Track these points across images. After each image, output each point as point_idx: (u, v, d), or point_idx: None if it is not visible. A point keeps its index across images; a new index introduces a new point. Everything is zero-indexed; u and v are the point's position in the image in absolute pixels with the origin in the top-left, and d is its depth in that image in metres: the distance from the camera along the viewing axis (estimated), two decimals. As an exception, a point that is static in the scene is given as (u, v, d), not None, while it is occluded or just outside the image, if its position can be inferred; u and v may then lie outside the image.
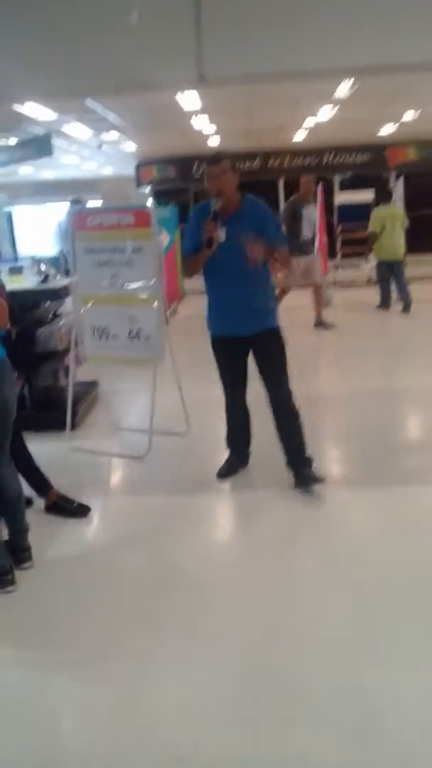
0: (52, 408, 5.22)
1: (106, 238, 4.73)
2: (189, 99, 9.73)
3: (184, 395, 5.00)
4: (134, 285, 4.67)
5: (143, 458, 4.60)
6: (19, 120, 10.48)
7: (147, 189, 18.00)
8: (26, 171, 17.88)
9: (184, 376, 5.01)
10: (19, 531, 3.22)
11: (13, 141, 11.52)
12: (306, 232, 7.98)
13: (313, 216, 8.26)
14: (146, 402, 4.82)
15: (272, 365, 3.86)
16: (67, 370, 5.28)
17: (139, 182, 18.93)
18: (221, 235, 3.71)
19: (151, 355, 4.73)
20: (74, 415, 5.25)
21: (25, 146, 11.20)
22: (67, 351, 5.22)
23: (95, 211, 4.83)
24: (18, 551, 3.21)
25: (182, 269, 4.02)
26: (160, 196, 17.47)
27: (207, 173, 3.72)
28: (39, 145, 10.85)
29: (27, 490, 3.78)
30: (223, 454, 4.23)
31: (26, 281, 5.35)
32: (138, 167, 19.26)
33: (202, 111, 10.88)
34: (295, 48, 6.48)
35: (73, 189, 17.70)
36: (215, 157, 3.74)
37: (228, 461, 4.21)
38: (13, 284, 5.31)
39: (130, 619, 2.84)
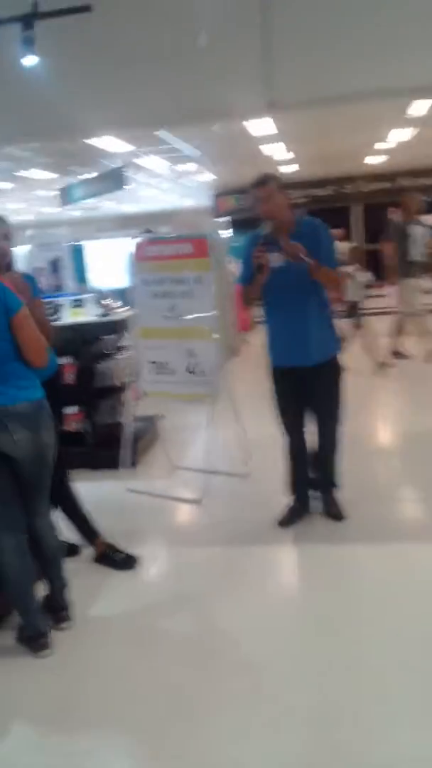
0: (112, 445, 5.00)
1: (165, 269, 4.51)
2: (262, 126, 9.56)
3: (247, 432, 4.69)
4: (193, 317, 4.41)
5: (200, 502, 4.29)
6: (97, 155, 10.62)
7: (224, 219, 17.97)
8: (109, 205, 18.17)
9: (251, 410, 4.70)
10: (57, 588, 2.97)
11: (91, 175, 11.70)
12: (413, 253, 7.40)
13: (419, 235, 7.43)
14: (209, 438, 4.53)
15: (329, 395, 3.67)
16: (126, 405, 5.07)
17: (217, 213, 18.94)
18: (274, 259, 3.45)
19: (209, 391, 4.45)
20: (133, 452, 5.02)
21: (100, 180, 11.32)
22: (126, 386, 5.01)
23: (154, 241, 4.62)
24: (56, 610, 2.95)
25: (241, 299, 3.73)
26: (237, 226, 17.41)
27: (254, 197, 3.50)
28: (112, 179, 10.93)
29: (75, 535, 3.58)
30: (286, 499, 3.87)
31: (87, 315, 5.20)
32: (216, 198, 19.31)
33: (277, 138, 10.70)
34: (366, 69, 6.20)
35: (152, 221, 17.89)
36: (261, 180, 3.53)
37: (290, 508, 3.86)
38: (74, 318, 5.19)
39: (175, 696, 2.51)
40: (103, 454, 4.96)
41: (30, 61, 5.21)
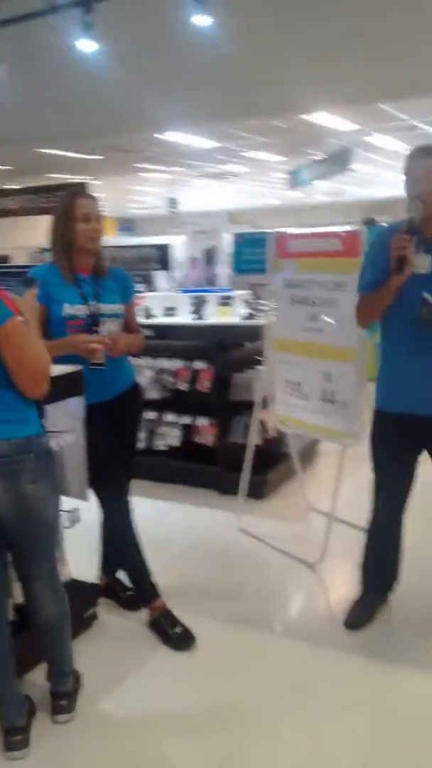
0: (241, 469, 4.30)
1: (306, 269, 3.65)
2: None
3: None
4: (330, 331, 3.50)
5: (314, 566, 3.41)
6: (321, 134, 9.80)
7: None
8: (353, 192, 17.09)
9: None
10: (52, 669, 2.37)
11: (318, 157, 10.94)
12: None
13: None
14: (363, 476, 3.60)
15: None
16: (261, 425, 4.29)
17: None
18: (420, 262, 2.44)
19: (347, 427, 3.51)
20: (263, 482, 4.28)
21: (327, 162, 10.50)
22: (262, 403, 4.25)
23: (298, 234, 3.77)
24: (54, 696, 2.36)
25: (357, 315, 2.71)
26: None
27: (415, 170, 2.48)
28: (338, 160, 10.05)
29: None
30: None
31: (233, 315, 4.52)
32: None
33: None
34: None
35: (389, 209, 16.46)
36: (428, 148, 2.48)
37: (361, 602, 2.90)
38: (218, 317, 4.55)
39: None
40: (231, 479, 4.28)
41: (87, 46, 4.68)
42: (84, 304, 2.63)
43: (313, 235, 3.69)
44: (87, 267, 2.71)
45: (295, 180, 11.76)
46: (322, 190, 15.72)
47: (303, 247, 3.70)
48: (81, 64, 5.53)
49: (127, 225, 16.26)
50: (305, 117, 8.07)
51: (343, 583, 3.23)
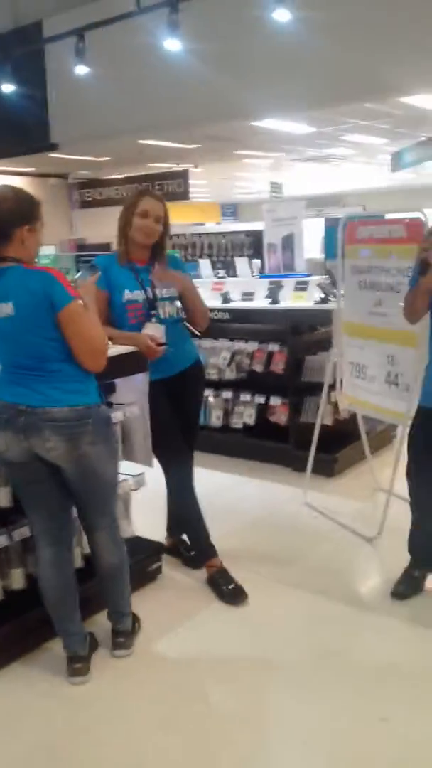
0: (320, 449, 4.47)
1: (374, 255, 3.77)
2: None
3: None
4: (394, 316, 3.61)
5: (372, 541, 3.58)
6: (422, 116, 9.59)
7: None
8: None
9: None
10: (112, 611, 2.70)
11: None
12: None
13: None
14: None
15: None
16: (332, 406, 4.44)
17: None
18: None
19: (408, 409, 3.62)
20: (332, 461, 4.45)
21: (426, 144, 10.29)
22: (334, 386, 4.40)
23: (367, 220, 3.88)
24: (114, 634, 2.70)
25: (403, 309, 2.83)
26: None
27: None
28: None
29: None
30: None
31: (308, 300, 4.69)
32: None
33: None
34: None
35: None
36: None
37: (409, 574, 3.07)
38: (294, 302, 4.74)
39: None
40: (303, 456, 4.47)
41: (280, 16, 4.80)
42: (141, 290, 2.92)
43: (380, 221, 3.79)
44: (143, 258, 3.00)
45: (397, 162, 11.59)
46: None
47: (370, 233, 3.81)
48: (170, 60, 5.82)
49: (231, 210, 16.52)
50: (403, 100, 7.96)
51: (397, 558, 3.37)
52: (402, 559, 3.12)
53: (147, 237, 2.96)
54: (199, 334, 3.30)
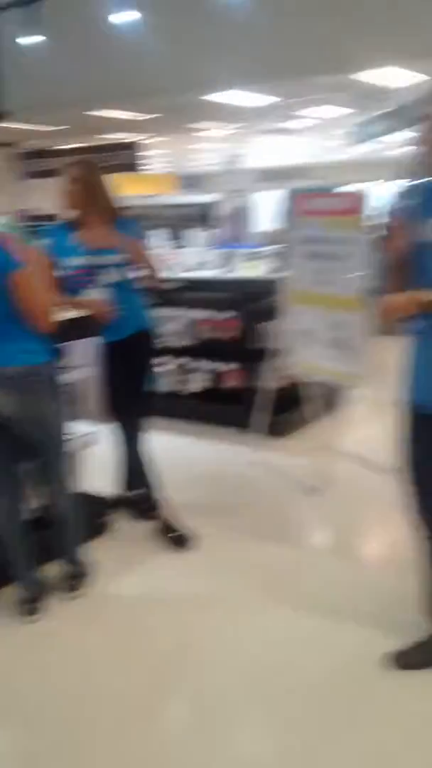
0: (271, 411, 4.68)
1: (320, 226, 3.95)
2: None
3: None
4: (339, 283, 3.82)
5: (316, 492, 3.81)
6: (388, 90, 9.74)
7: None
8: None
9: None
10: (69, 559, 2.90)
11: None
12: None
13: None
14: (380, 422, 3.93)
15: None
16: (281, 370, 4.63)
17: None
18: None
19: (354, 371, 3.85)
20: (283, 422, 4.66)
21: (393, 116, 10.42)
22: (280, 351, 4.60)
23: (314, 193, 4.06)
24: (66, 578, 2.89)
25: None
26: None
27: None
28: (407, 114, 9.97)
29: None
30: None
31: (261, 270, 4.86)
32: None
33: None
34: None
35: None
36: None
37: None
38: (244, 272, 4.91)
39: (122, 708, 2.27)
40: (255, 418, 4.68)
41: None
42: (84, 256, 3.06)
43: (326, 194, 3.97)
44: (93, 226, 3.11)
45: (359, 134, 11.72)
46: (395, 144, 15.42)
47: (317, 205, 3.99)
48: (124, 31, 5.87)
49: (191, 182, 16.49)
50: (361, 75, 8.09)
51: (339, 507, 3.63)
52: (344, 508, 3.35)
53: (70, 204, 3.11)
54: (159, 300, 3.42)
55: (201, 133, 11.85)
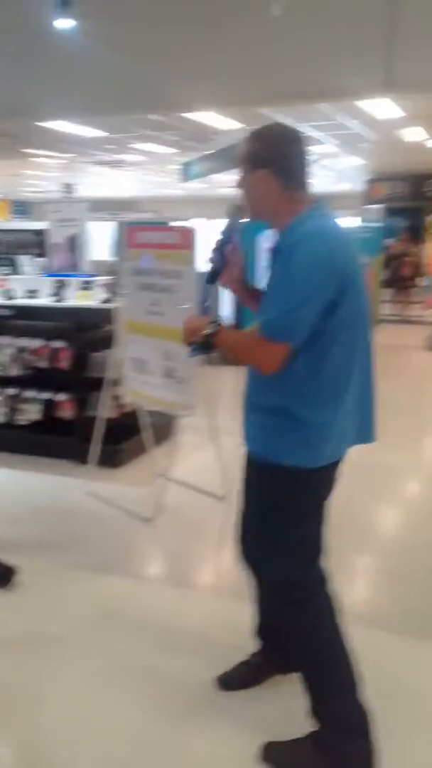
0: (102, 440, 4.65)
1: (152, 259, 4.04)
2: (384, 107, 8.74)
3: (224, 452, 4.13)
4: (169, 314, 3.92)
5: (149, 521, 3.84)
6: (211, 132, 10.22)
7: (376, 206, 16.82)
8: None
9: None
10: None
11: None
12: None
13: None
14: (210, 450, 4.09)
15: None
16: (115, 399, 4.65)
17: (369, 199, 17.84)
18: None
19: (184, 400, 3.95)
20: (117, 452, 4.66)
21: (216, 158, 10.95)
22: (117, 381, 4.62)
23: (145, 226, 4.16)
24: None
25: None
26: (391, 215, 16.27)
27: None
28: (227, 156, 10.51)
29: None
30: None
31: (93, 299, 4.86)
32: (370, 183, 18.20)
33: (411, 122, 9.73)
34: None
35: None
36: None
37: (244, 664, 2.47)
38: (79, 300, 4.88)
39: None
40: (88, 449, 4.63)
41: (64, 24, 4.93)
42: None
43: (157, 228, 4.09)
44: None
45: (186, 173, 12.18)
46: (226, 183, 16.19)
47: (148, 239, 4.09)
48: None
49: (22, 208, 16.22)
50: (187, 115, 8.46)
51: (168, 533, 3.68)
52: (173, 535, 3.40)
53: None
54: None
55: (36, 159, 11.73)
